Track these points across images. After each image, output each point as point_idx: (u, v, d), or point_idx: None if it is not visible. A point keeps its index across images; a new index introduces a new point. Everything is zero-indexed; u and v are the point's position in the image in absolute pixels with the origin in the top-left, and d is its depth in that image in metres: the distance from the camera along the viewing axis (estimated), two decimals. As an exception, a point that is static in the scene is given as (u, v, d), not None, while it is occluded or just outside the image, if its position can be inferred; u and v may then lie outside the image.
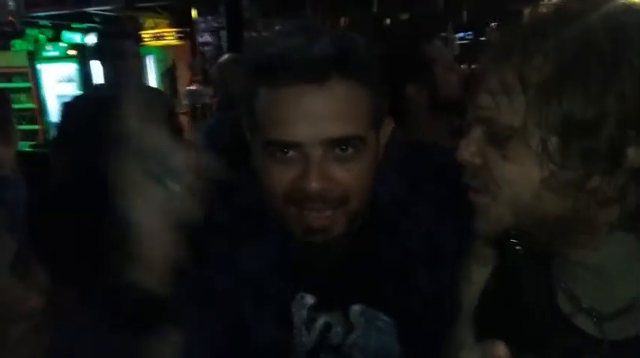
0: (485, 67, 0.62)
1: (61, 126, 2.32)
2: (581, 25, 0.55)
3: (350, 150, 0.72)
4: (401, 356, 0.83)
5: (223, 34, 5.70)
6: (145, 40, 7.21)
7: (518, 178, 0.59)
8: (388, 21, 5.16)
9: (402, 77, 1.53)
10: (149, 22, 7.49)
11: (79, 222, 1.71)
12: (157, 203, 0.63)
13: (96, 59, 2.69)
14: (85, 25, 6.96)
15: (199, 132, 3.29)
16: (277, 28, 0.82)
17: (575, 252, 0.61)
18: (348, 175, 0.73)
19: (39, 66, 6.93)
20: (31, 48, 7.02)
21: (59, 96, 6.43)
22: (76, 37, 7.31)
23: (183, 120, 4.18)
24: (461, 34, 5.82)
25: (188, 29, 6.66)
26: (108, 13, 6.07)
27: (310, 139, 0.70)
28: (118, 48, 2.45)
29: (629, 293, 0.59)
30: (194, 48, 6.34)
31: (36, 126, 6.86)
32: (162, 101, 2.92)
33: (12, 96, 4.94)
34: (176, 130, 2.88)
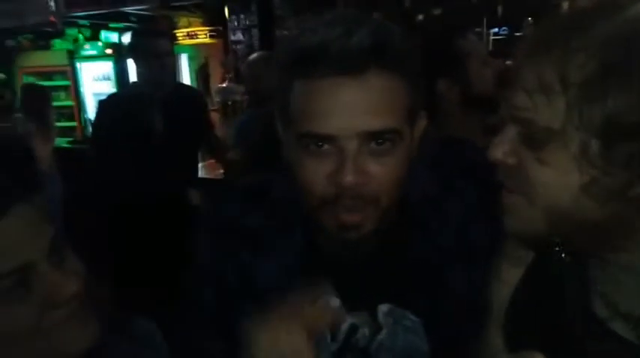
0: (522, 63, 0.59)
1: (95, 123, 2.39)
2: (628, 18, 0.52)
3: (386, 144, 0.71)
4: (430, 356, 0.81)
5: (255, 32, 5.74)
6: (179, 38, 7.35)
7: (555, 183, 0.56)
8: (421, 17, 5.10)
9: (433, 72, 1.50)
10: (183, 20, 7.62)
11: (112, 216, 1.76)
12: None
13: (131, 57, 2.74)
14: (121, 25, 7.14)
15: (230, 129, 3.33)
16: (314, 20, 0.80)
17: (614, 256, 0.58)
18: (382, 169, 0.71)
19: (78, 64, 7.16)
20: (70, 47, 7.26)
21: (96, 94, 6.62)
22: (113, 37, 7.51)
23: (215, 116, 4.24)
24: (495, 30, 5.69)
25: (221, 28, 6.74)
26: (143, 13, 6.20)
27: (346, 132, 0.69)
28: (152, 46, 2.49)
29: None
30: (226, 46, 6.41)
31: (74, 123, 7.10)
32: (197, 98, 2.98)
33: (52, 94, 5.14)
34: (208, 127, 2.93)
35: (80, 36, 7.27)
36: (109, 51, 7.10)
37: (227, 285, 0.86)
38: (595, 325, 0.60)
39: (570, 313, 0.50)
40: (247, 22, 5.82)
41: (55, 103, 5.25)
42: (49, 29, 5.76)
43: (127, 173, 2.03)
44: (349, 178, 0.69)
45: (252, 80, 2.86)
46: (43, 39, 7.20)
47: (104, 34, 7.44)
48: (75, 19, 6.43)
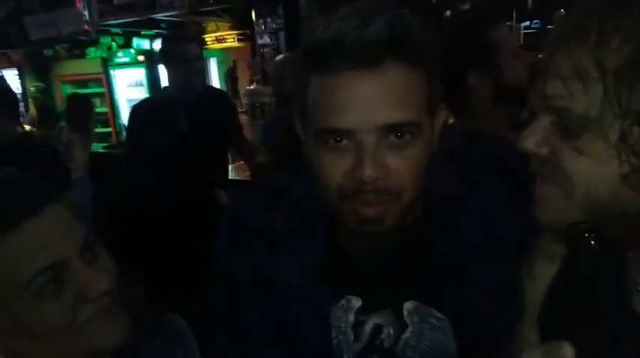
0: (555, 50, 0.56)
1: (128, 127, 2.45)
2: None
3: (406, 136, 0.70)
4: (457, 354, 0.80)
5: (282, 35, 5.78)
6: (208, 43, 7.46)
7: (592, 173, 0.54)
8: (448, 12, 5.03)
9: (463, 65, 1.47)
10: (211, 25, 7.74)
11: (143, 217, 1.79)
12: None
13: (161, 63, 2.80)
14: (152, 32, 7.30)
15: (257, 130, 3.36)
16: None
17: None
18: (402, 163, 0.70)
19: (112, 72, 7.37)
20: (104, 55, 7.47)
21: (129, 101, 6.79)
22: (145, 44, 7.70)
23: (243, 118, 4.29)
24: (527, 23, 5.54)
25: (248, 31, 6.82)
26: (173, 19, 6.33)
27: (364, 126, 0.68)
28: (181, 51, 2.54)
29: None
30: (254, 49, 6.48)
31: (109, 129, 7.30)
32: (225, 101, 3.02)
33: (89, 101, 5.29)
34: (237, 129, 2.97)
35: (113, 44, 7.47)
36: (141, 58, 7.27)
37: (240, 286, 0.86)
38: (634, 321, 0.58)
39: (605, 308, 0.48)
40: (274, 26, 5.86)
41: (91, 110, 5.40)
42: (84, 38, 5.94)
43: (158, 175, 2.07)
44: (369, 172, 0.68)
45: (277, 81, 2.89)
46: (78, 48, 7.44)
47: (136, 42, 7.63)
48: (108, 28, 6.62)
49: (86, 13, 5.15)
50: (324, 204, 0.77)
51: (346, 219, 0.74)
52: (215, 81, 7.86)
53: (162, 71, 3.24)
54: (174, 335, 0.93)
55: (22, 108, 6.87)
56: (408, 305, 0.81)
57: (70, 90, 7.45)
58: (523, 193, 0.65)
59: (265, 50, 5.92)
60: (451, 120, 1.71)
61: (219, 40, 7.69)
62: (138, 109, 2.43)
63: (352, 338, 0.82)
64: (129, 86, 7.35)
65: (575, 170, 0.55)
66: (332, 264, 0.82)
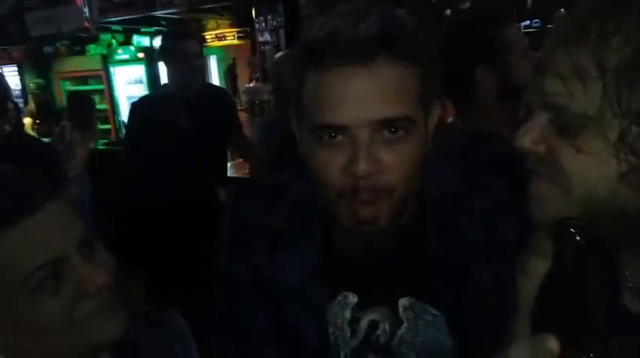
0: (554, 48, 0.57)
1: (128, 124, 2.45)
2: None
3: (399, 132, 0.70)
4: (453, 351, 0.80)
5: (282, 32, 5.78)
6: (208, 40, 7.46)
7: (591, 171, 0.54)
8: (448, 11, 5.02)
9: (471, 59, 1.47)
10: (211, 23, 7.73)
11: (142, 215, 1.80)
12: None
13: (161, 60, 2.80)
14: (152, 29, 7.29)
15: (256, 127, 3.37)
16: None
17: None
18: (396, 158, 0.71)
19: (111, 69, 7.36)
20: (104, 52, 7.47)
21: (129, 98, 6.79)
22: (145, 41, 7.69)
23: (242, 116, 4.29)
24: (527, 22, 5.54)
25: (248, 29, 6.81)
26: (174, 16, 6.32)
27: (357, 121, 0.69)
28: (181, 48, 2.53)
29: None
30: (254, 47, 6.47)
31: (108, 126, 7.30)
32: (225, 98, 3.02)
33: (88, 98, 5.29)
34: (236, 126, 2.97)
35: (113, 41, 7.47)
36: (141, 55, 7.27)
37: (240, 286, 0.86)
38: (626, 318, 0.59)
39: (593, 304, 0.49)
40: (274, 23, 5.86)
41: (91, 107, 5.40)
42: (84, 35, 5.94)
43: (157, 172, 2.08)
44: (362, 167, 0.69)
45: (276, 79, 2.89)
46: (78, 45, 7.43)
47: (136, 39, 7.62)
48: (108, 25, 6.62)
49: (86, 10, 5.15)
50: (322, 203, 0.78)
51: (343, 219, 0.75)
52: (215, 78, 7.85)
53: (162, 68, 3.24)
54: (174, 331, 0.94)
55: (21, 105, 6.89)
56: (403, 302, 0.82)
57: (69, 86, 7.45)
58: (524, 192, 0.65)
59: (266, 48, 5.92)
60: (450, 119, 1.72)
61: (219, 38, 7.69)
62: (137, 106, 2.43)
63: (349, 334, 0.83)
64: (129, 83, 7.35)
65: (574, 168, 0.55)
66: (329, 262, 0.83)
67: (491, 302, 0.78)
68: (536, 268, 0.71)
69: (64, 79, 7.55)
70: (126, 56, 7.37)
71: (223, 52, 8.03)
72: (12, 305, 0.64)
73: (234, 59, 7.84)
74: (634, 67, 0.49)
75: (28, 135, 3.38)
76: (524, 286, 0.73)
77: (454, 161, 0.86)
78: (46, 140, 3.51)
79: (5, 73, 6.20)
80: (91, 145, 4.20)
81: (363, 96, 0.69)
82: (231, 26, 7.58)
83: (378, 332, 0.82)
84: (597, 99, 0.52)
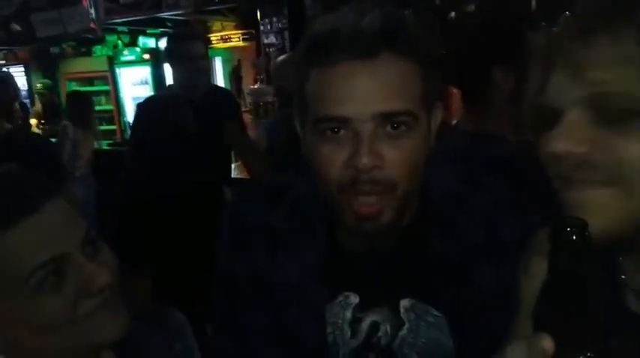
0: (590, 38, 0.54)
1: (133, 124, 2.46)
2: None
3: (402, 127, 0.71)
4: (454, 352, 0.80)
5: (287, 34, 5.80)
6: (213, 42, 7.49)
7: None
8: (453, 14, 5.02)
9: (489, 59, 1.46)
10: (217, 24, 7.77)
11: (147, 215, 1.80)
12: None
13: (166, 62, 2.82)
14: (158, 30, 7.33)
15: (261, 129, 3.37)
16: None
17: None
18: (398, 153, 0.71)
19: (117, 70, 7.40)
20: (110, 53, 7.51)
21: (134, 99, 6.82)
22: (151, 42, 7.73)
23: (247, 117, 4.31)
24: (531, 25, 5.54)
25: (253, 31, 6.84)
26: (179, 18, 6.35)
27: (360, 115, 0.70)
28: (186, 50, 2.54)
29: None
30: (259, 49, 6.49)
31: (114, 127, 7.34)
32: (230, 100, 3.03)
33: (93, 98, 5.33)
34: (241, 127, 2.98)
35: (119, 42, 7.51)
36: (146, 56, 7.31)
37: (241, 286, 0.87)
38: (629, 319, 0.58)
39: (593, 305, 0.48)
40: (279, 25, 5.87)
41: (96, 108, 5.45)
42: (90, 36, 5.97)
43: (162, 173, 2.09)
44: (364, 161, 0.69)
45: (279, 80, 2.90)
46: (84, 46, 7.48)
47: (142, 40, 7.66)
48: (114, 26, 6.65)
49: (92, 11, 5.17)
50: (324, 201, 0.78)
51: (345, 217, 0.75)
52: (220, 80, 7.88)
53: (168, 69, 3.25)
54: (174, 330, 0.94)
55: (27, 105, 6.92)
56: (404, 303, 0.82)
57: (75, 87, 7.49)
58: (524, 193, 0.65)
59: (270, 50, 5.93)
60: (454, 121, 1.72)
61: (224, 39, 7.72)
62: (143, 107, 2.44)
63: (349, 334, 0.83)
64: (134, 84, 7.39)
65: (632, 157, 0.52)
66: (331, 261, 0.83)
67: (492, 302, 0.78)
68: (539, 269, 0.71)
69: (70, 80, 7.59)
70: (131, 57, 7.41)
71: (228, 54, 8.06)
72: (13, 301, 0.64)
73: (239, 61, 7.87)
74: None
75: (34, 133, 3.40)
76: (527, 286, 0.73)
77: (456, 162, 0.87)
78: (52, 140, 3.54)
79: (12, 74, 6.23)
80: (95, 145, 4.22)
81: (367, 91, 0.70)
82: (237, 28, 7.62)
83: (380, 333, 0.82)
84: None
